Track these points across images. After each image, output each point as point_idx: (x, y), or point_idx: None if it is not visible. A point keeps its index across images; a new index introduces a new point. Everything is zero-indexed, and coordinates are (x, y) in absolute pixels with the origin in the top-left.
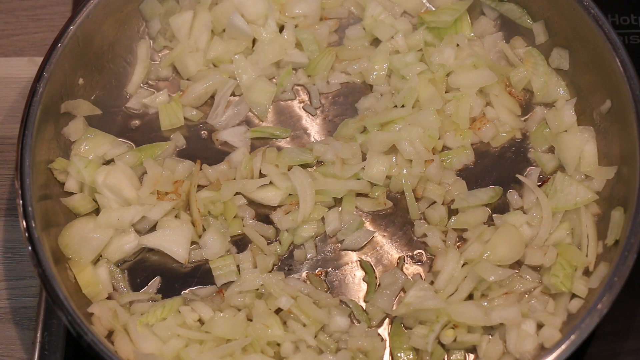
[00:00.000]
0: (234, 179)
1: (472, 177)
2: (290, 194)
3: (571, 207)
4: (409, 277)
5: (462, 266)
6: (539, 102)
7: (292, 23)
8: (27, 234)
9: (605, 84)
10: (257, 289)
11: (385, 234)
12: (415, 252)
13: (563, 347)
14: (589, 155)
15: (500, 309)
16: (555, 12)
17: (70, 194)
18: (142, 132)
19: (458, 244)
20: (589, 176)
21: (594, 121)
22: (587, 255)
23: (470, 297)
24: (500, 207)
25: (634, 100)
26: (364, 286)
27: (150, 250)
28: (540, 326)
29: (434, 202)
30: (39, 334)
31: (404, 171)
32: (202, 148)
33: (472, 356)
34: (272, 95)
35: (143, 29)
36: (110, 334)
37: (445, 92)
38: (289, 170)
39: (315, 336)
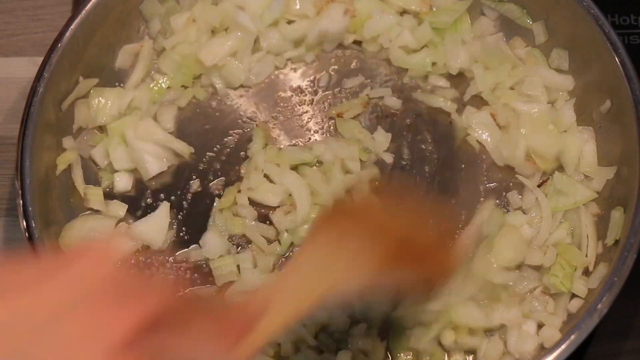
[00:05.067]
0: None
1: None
2: (290, 194)
3: (570, 207)
4: None
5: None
6: None
7: None
8: (27, 234)
9: (605, 84)
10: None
11: None
12: None
13: (563, 347)
14: (588, 155)
15: (501, 309)
16: (555, 12)
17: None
18: None
19: None
20: (589, 176)
21: (594, 121)
22: (586, 255)
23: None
24: (500, 207)
25: (634, 100)
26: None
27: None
28: (540, 326)
29: None
30: None
31: None
32: None
33: (471, 356)
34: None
35: (143, 29)
36: None
37: None
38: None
39: (315, 336)
